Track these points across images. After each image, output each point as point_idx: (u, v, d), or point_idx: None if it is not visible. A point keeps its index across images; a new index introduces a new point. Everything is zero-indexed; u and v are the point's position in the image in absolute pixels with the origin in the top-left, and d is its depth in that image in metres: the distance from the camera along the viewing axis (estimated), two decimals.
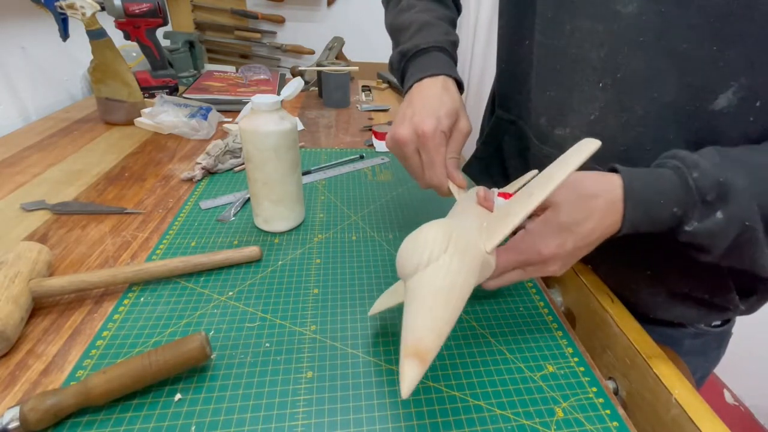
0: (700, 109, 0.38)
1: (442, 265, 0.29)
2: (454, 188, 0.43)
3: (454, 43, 0.51)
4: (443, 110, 0.43)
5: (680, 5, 0.36)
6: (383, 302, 0.41)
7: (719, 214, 0.33)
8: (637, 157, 0.42)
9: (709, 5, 0.35)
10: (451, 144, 0.44)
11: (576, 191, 0.35)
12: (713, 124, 0.38)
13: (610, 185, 0.35)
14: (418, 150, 0.43)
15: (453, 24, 0.56)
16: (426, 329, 0.27)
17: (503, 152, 0.61)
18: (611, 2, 0.39)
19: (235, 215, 0.58)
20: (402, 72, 0.51)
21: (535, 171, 0.47)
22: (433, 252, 0.30)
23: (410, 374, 0.25)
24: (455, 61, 0.51)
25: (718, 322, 0.52)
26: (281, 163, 0.50)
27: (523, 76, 0.52)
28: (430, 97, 0.44)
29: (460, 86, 0.48)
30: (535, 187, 0.34)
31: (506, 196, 0.39)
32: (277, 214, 0.54)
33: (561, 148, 0.47)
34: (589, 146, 0.34)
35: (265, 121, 0.48)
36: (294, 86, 0.50)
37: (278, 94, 0.50)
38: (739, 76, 0.36)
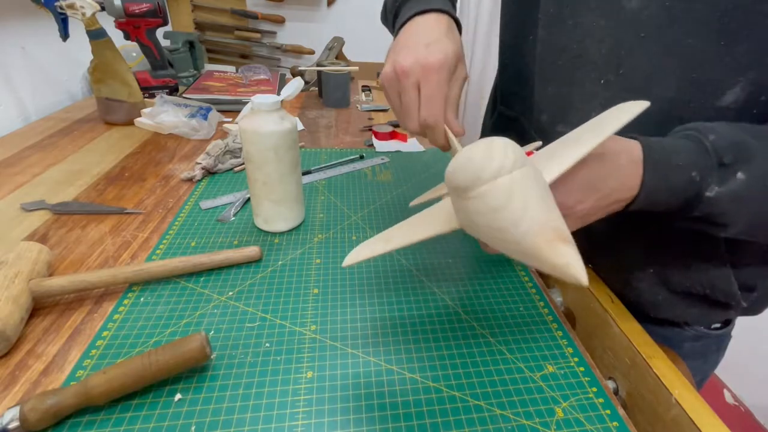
0: (705, 104, 0.38)
1: (530, 171, 0.27)
2: (451, 136, 0.40)
3: None
4: (451, 49, 0.39)
5: (683, 1, 0.36)
6: (365, 252, 0.37)
7: (740, 175, 0.32)
8: None
9: (712, 1, 0.34)
10: (451, 88, 0.40)
11: (599, 148, 0.33)
12: (718, 118, 0.37)
13: (629, 145, 0.34)
14: (418, 84, 0.39)
15: None
16: (554, 213, 0.25)
17: None
18: None
19: (235, 215, 0.58)
20: (395, 13, 0.47)
21: (540, 143, 0.45)
22: (518, 160, 0.27)
23: (573, 255, 0.24)
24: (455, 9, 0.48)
25: (718, 325, 0.52)
26: (281, 163, 0.50)
27: (525, 73, 0.52)
28: (437, 32, 0.40)
29: (459, 29, 0.45)
30: (583, 133, 0.32)
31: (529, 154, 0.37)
32: (277, 214, 0.54)
33: None
34: (635, 106, 0.31)
35: (265, 121, 0.48)
36: (294, 86, 0.50)
37: (278, 94, 0.50)
38: (747, 71, 0.35)
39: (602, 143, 0.32)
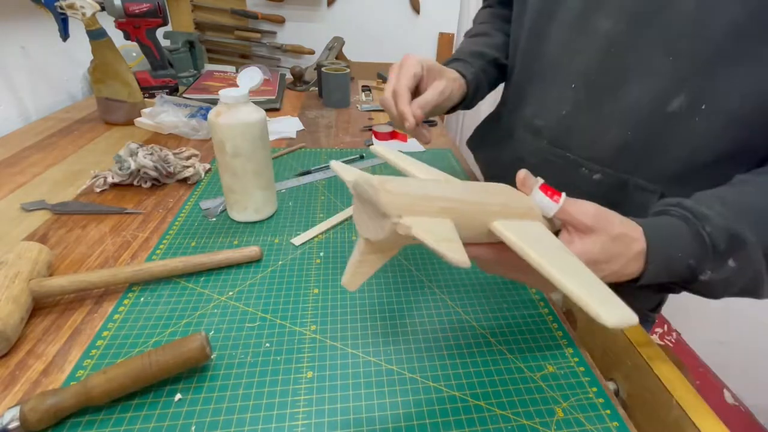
0: (657, 110, 0.44)
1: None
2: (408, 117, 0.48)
3: (474, 53, 0.61)
4: (425, 59, 0.53)
5: (643, 25, 0.43)
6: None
7: (731, 263, 0.35)
8: (602, 149, 0.49)
9: (665, 25, 0.42)
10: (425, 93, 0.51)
11: (608, 231, 0.34)
12: (667, 123, 0.44)
13: (636, 234, 0.35)
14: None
15: (492, 46, 0.63)
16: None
17: (488, 140, 0.69)
18: (590, 18, 0.47)
19: (221, 213, 0.58)
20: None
21: (541, 180, 0.39)
22: None
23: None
24: (476, 64, 0.60)
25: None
26: (266, 148, 0.53)
27: (513, 75, 0.61)
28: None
29: (467, 81, 0.58)
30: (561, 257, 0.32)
31: (548, 190, 0.35)
32: (265, 199, 0.56)
33: (538, 135, 0.55)
34: (627, 321, 0.30)
35: (247, 111, 0.50)
36: (249, 75, 0.52)
37: (277, 94, 0.50)
38: (687, 82, 0.42)
39: (609, 224, 0.34)
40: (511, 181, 0.38)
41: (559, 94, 0.51)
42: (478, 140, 0.72)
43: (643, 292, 0.50)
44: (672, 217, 0.37)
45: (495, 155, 0.65)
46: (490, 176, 0.70)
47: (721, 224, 0.35)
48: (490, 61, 0.61)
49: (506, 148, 0.61)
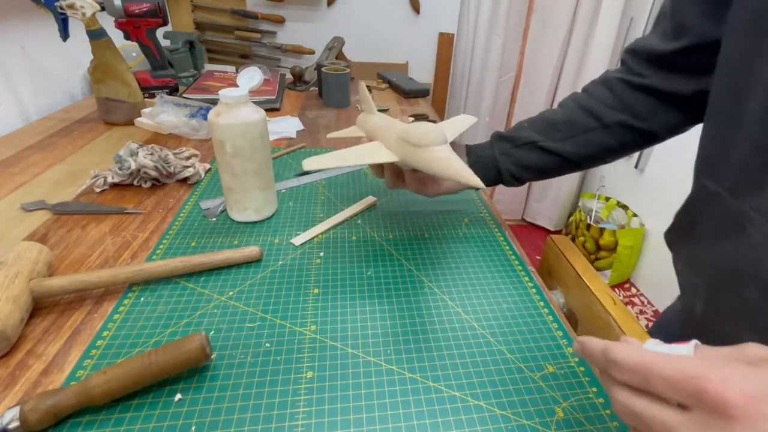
0: None
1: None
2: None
3: (500, 135, 0.58)
4: None
5: None
6: (322, 163, 0.46)
7: None
8: None
9: None
10: None
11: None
12: None
13: None
14: None
15: (550, 123, 0.55)
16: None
17: (698, 230, 0.41)
18: None
19: (221, 212, 0.58)
20: None
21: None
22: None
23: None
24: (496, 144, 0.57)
25: None
26: (266, 148, 0.53)
27: (741, 139, 0.35)
28: None
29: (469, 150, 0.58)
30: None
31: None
32: (265, 199, 0.56)
33: None
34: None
35: (248, 111, 0.50)
36: (249, 75, 0.52)
37: (276, 94, 0.50)
38: None
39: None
40: (738, 308, 0.28)
41: None
42: (685, 230, 0.43)
43: None
44: None
45: (712, 254, 0.38)
46: (706, 287, 0.39)
47: None
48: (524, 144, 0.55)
49: (730, 245, 0.36)
